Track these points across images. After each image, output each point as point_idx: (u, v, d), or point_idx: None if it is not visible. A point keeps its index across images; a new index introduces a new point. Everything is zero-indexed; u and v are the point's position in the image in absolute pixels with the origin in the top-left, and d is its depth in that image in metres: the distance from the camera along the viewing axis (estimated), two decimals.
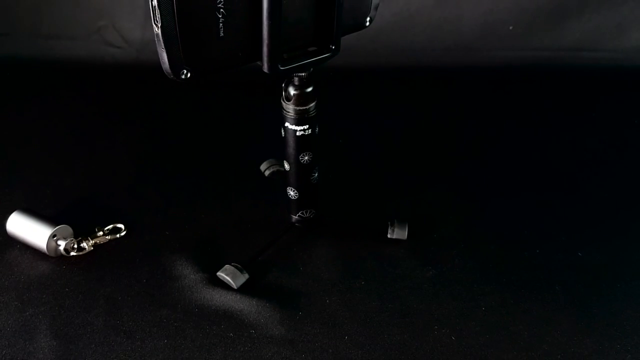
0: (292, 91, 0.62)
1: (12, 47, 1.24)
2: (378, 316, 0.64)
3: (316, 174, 0.69)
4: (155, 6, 0.48)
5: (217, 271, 0.68)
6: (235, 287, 0.67)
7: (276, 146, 0.68)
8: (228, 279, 0.67)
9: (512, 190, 0.85)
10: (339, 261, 0.72)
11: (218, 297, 0.66)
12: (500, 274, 0.70)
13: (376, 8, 0.63)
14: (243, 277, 0.67)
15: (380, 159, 0.92)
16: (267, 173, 0.84)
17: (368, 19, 0.63)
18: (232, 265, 0.68)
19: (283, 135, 0.65)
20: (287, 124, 0.64)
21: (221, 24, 0.51)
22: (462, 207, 0.81)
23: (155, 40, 0.51)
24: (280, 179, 0.74)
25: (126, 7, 1.22)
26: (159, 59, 0.51)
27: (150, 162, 0.91)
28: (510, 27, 1.22)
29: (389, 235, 0.74)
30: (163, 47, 0.50)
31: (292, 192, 0.70)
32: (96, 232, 0.74)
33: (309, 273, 0.70)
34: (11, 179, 0.86)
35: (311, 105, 0.63)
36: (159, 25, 0.49)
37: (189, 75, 0.52)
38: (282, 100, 0.63)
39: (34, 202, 0.80)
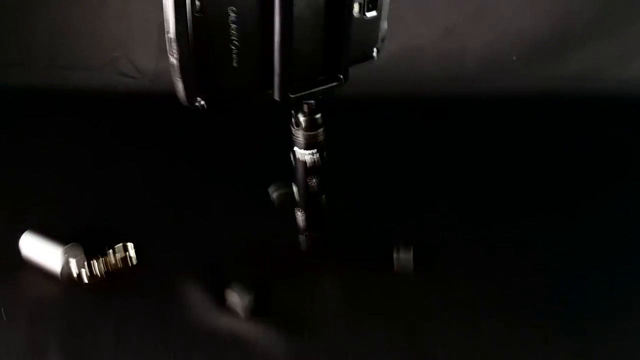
0: (301, 118, 0.64)
1: (29, 77, 1.29)
2: (382, 340, 0.65)
3: (324, 198, 0.71)
4: (171, 38, 0.50)
5: (225, 295, 0.69)
6: (242, 312, 0.68)
7: (285, 170, 0.70)
8: (236, 300, 0.68)
9: (515, 217, 0.86)
10: (345, 285, 0.73)
11: (225, 322, 0.67)
12: (503, 299, 0.70)
13: (383, 40, 0.65)
14: (250, 302, 0.68)
15: (386, 184, 0.94)
16: (275, 196, 0.86)
17: (375, 50, 0.66)
18: (240, 290, 0.69)
19: (292, 159, 0.67)
20: (296, 149, 0.66)
21: (234, 55, 0.54)
22: (467, 233, 0.82)
23: (170, 70, 0.53)
24: (289, 202, 0.76)
25: (140, 39, 1.27)
26: (172, 87, 0.53)
27: (161, 187, 0.93)
28: (514, 58, 1.25)
29: (395, 260, 0.75)
30: (179, 76, 0.52)
31: (300, 215, 0.71)
32: (108, 253, 0.75)
33: (316, 297, 0.71)
34: (27, 202, 0.89)
35: (319, 131, 0.65)
36: (175, 56, 0.51)
37: (203, 103, 0.54)
38: (291, 126, 0.65)
39: (48, 224, 0.82)
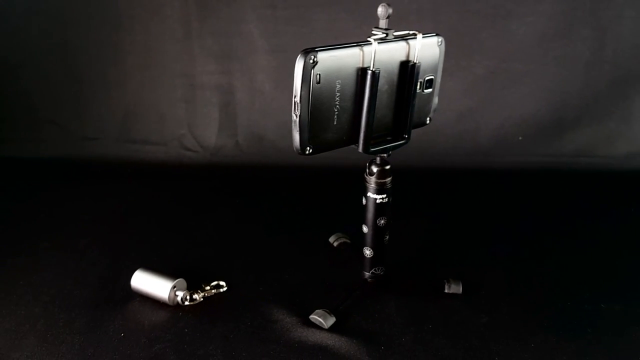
0: (374, 168, 0.81)
1: (102, 150, 1.47)
2: (447, 351, 0.78)
3: (387, 236, 0.86)
4: (297, 102, 0.68)
5: (309, 315, 0.83)
6: (326, 327, 0.81)
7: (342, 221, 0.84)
8: (320, 320, 0.81)
9: (541, 255, 1.01)
10: (406, 310, 0.86)
11: (312, 335, 0.80)
12: (541, 319, 0.84)
13: (434, 110, 0.85)
14: (332, 319, 0.82)
15: (429, 232, 1.10)
16: (335, 244, 1.02)
17: (428, 118, 0.85)
18: (322, 310, 0.83)
19: (364, 203, 0.83)
20: (369, 194, 0.82)
21: (336, 116, 0.72)
22: (505, 269, 0.97)
23: (292, 125, 0.68)
24: (347, 248, 0.90)
25: (204, 119, 1.46)
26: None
27: (232, 240, 1.08)
28: (520, 138, 1.46)
29: (445, 290, 0.89)
30: (297, 130, 0.69)
31: (367, 252, 0.86)
32: (204, 287, 0.89)
33: (384, 318, 0.84)
34: (119, 252, 1.02)
35: (388, 179, 0.82)
36: (298, 115, 0.69)
37: (310, 151, 0.71)
38: (365, 175, 0.82)
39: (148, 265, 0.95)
